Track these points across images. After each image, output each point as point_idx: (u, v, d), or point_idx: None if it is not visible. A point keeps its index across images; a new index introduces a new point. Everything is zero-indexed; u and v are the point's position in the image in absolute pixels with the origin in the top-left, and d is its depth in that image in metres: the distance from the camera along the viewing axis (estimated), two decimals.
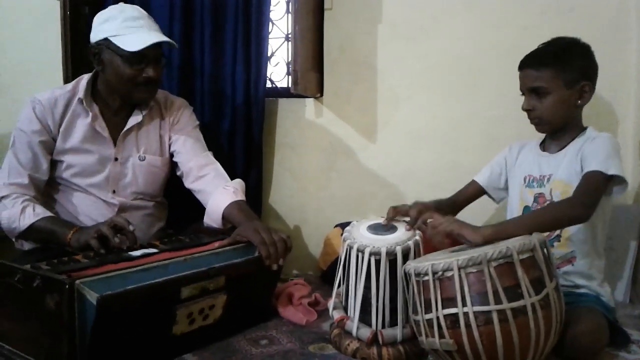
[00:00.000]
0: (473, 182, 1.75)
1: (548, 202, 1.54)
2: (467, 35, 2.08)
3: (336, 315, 1.47)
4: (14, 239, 1.76)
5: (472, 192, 1.74)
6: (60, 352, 1.20)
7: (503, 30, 2.03)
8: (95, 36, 1.75)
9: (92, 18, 1.79)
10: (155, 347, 1.34)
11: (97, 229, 1.54)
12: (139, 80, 1.74)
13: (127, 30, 1.71)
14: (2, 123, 2.52)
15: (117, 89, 1.78)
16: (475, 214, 1.77)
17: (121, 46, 1.70)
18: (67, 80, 2.22)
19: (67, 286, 1.16)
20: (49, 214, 1.69)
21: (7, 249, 2.12)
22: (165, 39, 1.75)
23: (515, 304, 1.16)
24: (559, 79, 1.51)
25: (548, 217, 1.37)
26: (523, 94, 1.58)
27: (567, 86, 1.52)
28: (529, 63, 1.56)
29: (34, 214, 1.66)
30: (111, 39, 1.71)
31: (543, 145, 1.64)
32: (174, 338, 1.36)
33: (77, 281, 1.18)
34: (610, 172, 1.40)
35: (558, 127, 1.58)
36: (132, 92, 1.77)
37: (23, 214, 1.66)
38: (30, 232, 1.67)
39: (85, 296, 1.17)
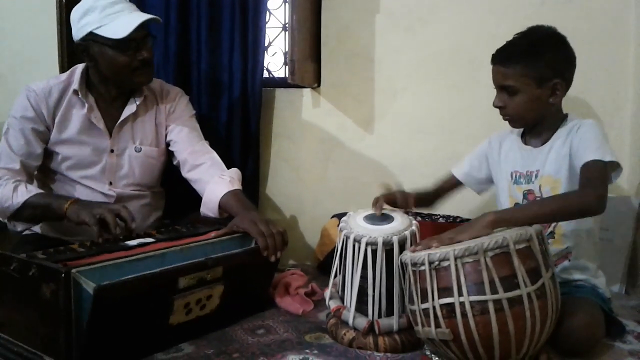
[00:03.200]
0: (451, 176, 1.73)
1: (538, 199, 1.51)
2: (466, 25, 2.07)
3: (333, 305, 1.47)
4: (6, 220, 1.75)
5: (451, 185, 1.72)
6: (57, 341, 1.20)
7: (502, 20, 2.02)
8: (78, 33, 1.72)
9: (71, 17, 1.76)
10: (152, 336, 1.34)
11: (101, 213, 1.53)
12: (135, 65, 1.72)
13: (108, 18, 1.67)
14: None
15: (114, 79, 1.77)
16: (468, 207, 1.78)
17: (109, 36, 1.67)
18: (63, 69, 2.21)
19: (63, 275, 1.16)
20: (41, 190, 1.70)
21: (2, 238, 2.10)
22: (148, 16, 1.72)
23: (511, 294, 1.16)
24: (528, 77, 1.45)
25: (557, 208, 1.33)
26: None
27: (537, 84, 1.45)
28: (498, 59, 1.50)
29: (26, 191, 1.66)
30: (96, 31, 1.68)
31: (524, 138, 1.59)
32: (171, 328, 1.36)
33: (73, 270, 1.18)
34: (607, 159, 1.37)
35: (532, 124, 1.54)
36: (130, 78, 1.75)
37: (15, 192, 1.65)
38: (24, 209, 1.66)
39: (81, 285, 1.17)
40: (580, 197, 1.33)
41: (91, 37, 1.69)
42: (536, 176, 1.52)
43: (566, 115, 1.54)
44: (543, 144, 1.53)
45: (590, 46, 1.93)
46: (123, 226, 1.55)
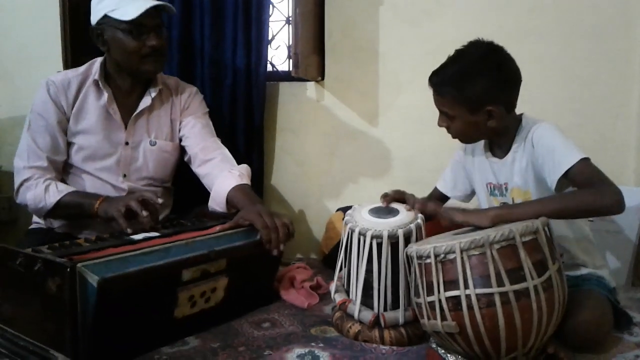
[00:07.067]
0: (437, 191, 1.71)
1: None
2: (470, 18, 2.06)
3: (338, 298, 1.47)
4: (42, 219, 1.79)
5: (440, 200, 1.70)
6: (63, 335, 1.20)
7: (508, 13, 2.01)
8: (95, 17, 1.74)
9: (91, 2, 1.77)
10: (157, 330, 1.34)
11: (126, 203, 1.55)
12: (144, 52, 1.73)
13: (123, 2, 1.69)
14: (3, 108, 2.51)
15: (125, 66, 1.77)
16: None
17: (120, 18, 1.68)
18: (66, 65, 2.21)
19: (68, 270, 1.16)
20: (72, 189, 1.72)
21: (10, 232, 2.11)
22: (160, 2, 1.73)
23: (517, 287, 1.15)
24: (461, 105, 1.41)
25: (573, 205, 1.28)
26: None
27: (470, 112, 1.42)
28: (433, 83, 1.46)
29: (57, 191, 1.69)
30: (110, 14, 1.70)
31: (490, 147, 1.56)
32: (176, 321, 1.37)
33: (79, 264, 1.18)
34: (583, 156, 1.33)
35: (480, 139, 1.52)
36: (139, 65, 1.75)
37: (47, 193, 1.69)
38: (58, 209, 1.69)
39: (87, 280, 1.17)
40: (595, 195, 1.28)
41: (105, 20, 1.71)
42: (506, 189, 1.51)
43: (520, 120, 1.48)
44: (505, 154, 1.50)
45: (596, 38, 1.93)
46: (147, 215, 1.55)
